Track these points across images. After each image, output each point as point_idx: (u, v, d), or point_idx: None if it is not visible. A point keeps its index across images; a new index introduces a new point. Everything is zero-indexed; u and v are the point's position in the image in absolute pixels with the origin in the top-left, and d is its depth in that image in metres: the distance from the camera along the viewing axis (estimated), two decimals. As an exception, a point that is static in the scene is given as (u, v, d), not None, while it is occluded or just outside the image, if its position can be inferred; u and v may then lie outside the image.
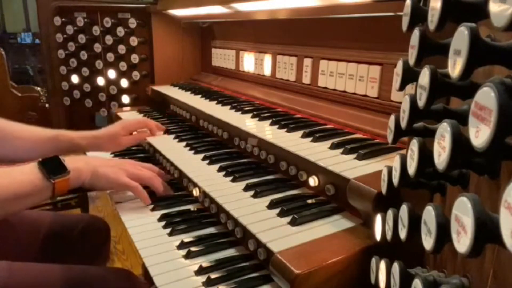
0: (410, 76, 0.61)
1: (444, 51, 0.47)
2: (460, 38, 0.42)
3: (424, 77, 0.51)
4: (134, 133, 1.60)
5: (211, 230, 1.08)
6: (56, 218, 1.38)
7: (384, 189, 0.70)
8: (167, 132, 1.65)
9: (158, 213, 1.13)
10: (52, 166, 1.03)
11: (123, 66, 2.36)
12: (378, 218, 0.75)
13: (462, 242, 0.39)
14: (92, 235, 1.44)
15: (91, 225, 1.47)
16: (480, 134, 0.38)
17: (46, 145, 1.42)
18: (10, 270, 1.02)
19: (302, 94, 1.57)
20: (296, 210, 0.95)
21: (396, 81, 0.64)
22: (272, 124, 1.34)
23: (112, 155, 1.61)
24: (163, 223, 1.08)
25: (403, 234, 0.58)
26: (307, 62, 1.53)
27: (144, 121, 1.66)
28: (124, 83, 2.41)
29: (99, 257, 1.46)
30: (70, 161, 1.07)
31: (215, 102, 1.71)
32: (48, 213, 1.47)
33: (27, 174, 1.00)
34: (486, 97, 0.37)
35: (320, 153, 1.06)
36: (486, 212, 0.37)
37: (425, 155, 0.52)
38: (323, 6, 1.35)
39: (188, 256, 0.95)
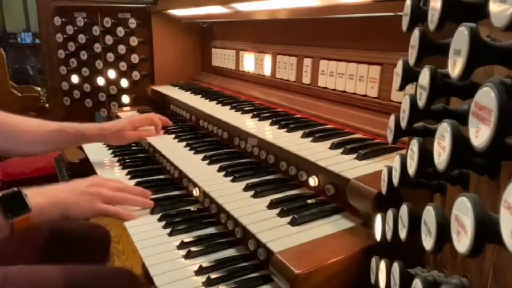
0: (410, 76, 0.61)
1: (444, 51, 0.47)
2: (460, 38, 0.42)
3: (424, 77, 0.51)
4: (139, 129, 1.59)
5: (211, 230, 1.08)
6: (54, 227, 1.33)
7: (384, 189, 0.70)
8: (167, 132, 1.65)
9: (158, 213, 1.13)
10: (12, 202, 0.96)
11: (123, 66, 2.36)
12: (378, 218, 0.75)
13: (462, 242, 0.39)
14: (92, 244, 1.39)
15: (91, 233, 1.43)
16: (480, 134, 0.38)
17: (51, 137, 1.42)
18: (5, 274, 1.00)
19: (302, 94, 1.57)
20: (296, 210, 0.95)
21: (396, 81, 0.64)
22: (272, 124, 1.34)
23: (111, 151, 1.61)
24: (163, 223, 1.08)
25: (403, 234, 0.58)
26: (307, 62, 1.53)
27: (150, 117, 1.63)
28: (124, 83, 2.41)
29: (100, 264, 1.43)
30: (34, 195, 0.99)
31: (215, 102, 1.71)
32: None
33: None
34: (486, 97, 0.37)
35: (320, 153, 1.06)
36: (486, 212, 0.37)
37: (425, 155, 0.52)
38: (323, 6, 1.35)
39: (188, 256, 0.95)
